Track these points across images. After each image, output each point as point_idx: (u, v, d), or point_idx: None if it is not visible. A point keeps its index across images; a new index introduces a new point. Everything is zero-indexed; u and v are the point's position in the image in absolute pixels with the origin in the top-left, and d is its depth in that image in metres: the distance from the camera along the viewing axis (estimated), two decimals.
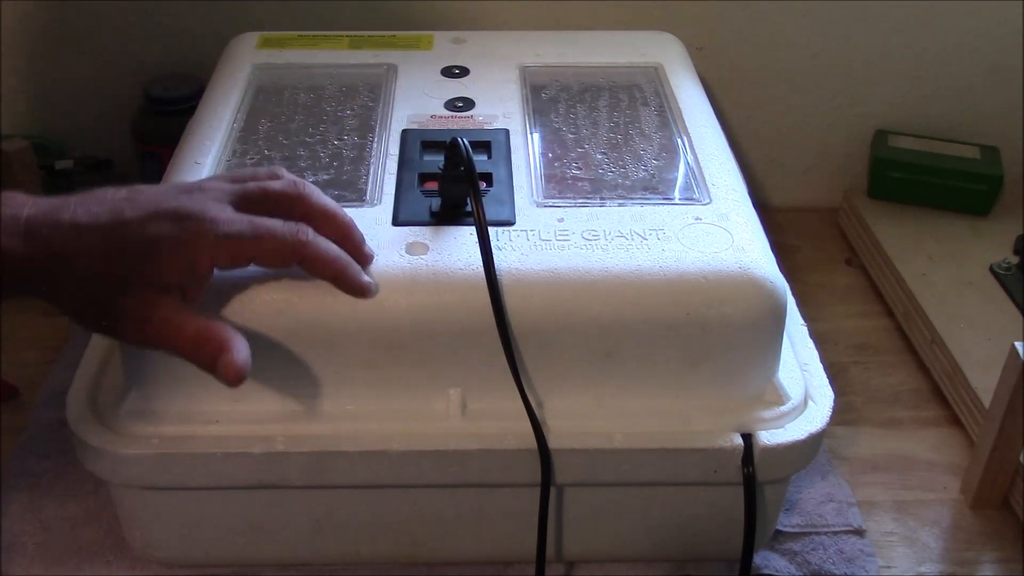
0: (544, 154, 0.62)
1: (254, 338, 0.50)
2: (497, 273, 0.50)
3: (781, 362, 0.55)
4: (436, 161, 0.56)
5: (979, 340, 0.71)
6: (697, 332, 0.51)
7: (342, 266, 0.49)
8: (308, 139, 0.64)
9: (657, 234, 0.54)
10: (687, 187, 0.59)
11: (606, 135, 0.65)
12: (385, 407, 0.53)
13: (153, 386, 0.52)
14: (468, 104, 0.67)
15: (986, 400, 0.64)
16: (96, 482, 0.54)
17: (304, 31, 0.77)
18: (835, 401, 0.55)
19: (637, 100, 0.69)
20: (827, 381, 0.57)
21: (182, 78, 0.83)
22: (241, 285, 0.50)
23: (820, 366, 0.58)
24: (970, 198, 0.87)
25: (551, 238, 0.54)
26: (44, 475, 0.63)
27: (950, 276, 0.79)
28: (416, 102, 0.67)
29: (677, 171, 0.62)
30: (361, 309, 0.50)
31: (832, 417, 0.54)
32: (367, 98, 0.68)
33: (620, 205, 0.57)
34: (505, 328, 0.50)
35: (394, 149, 0.61)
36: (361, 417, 0.53)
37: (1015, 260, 0.79)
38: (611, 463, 0.52)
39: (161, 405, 0.52)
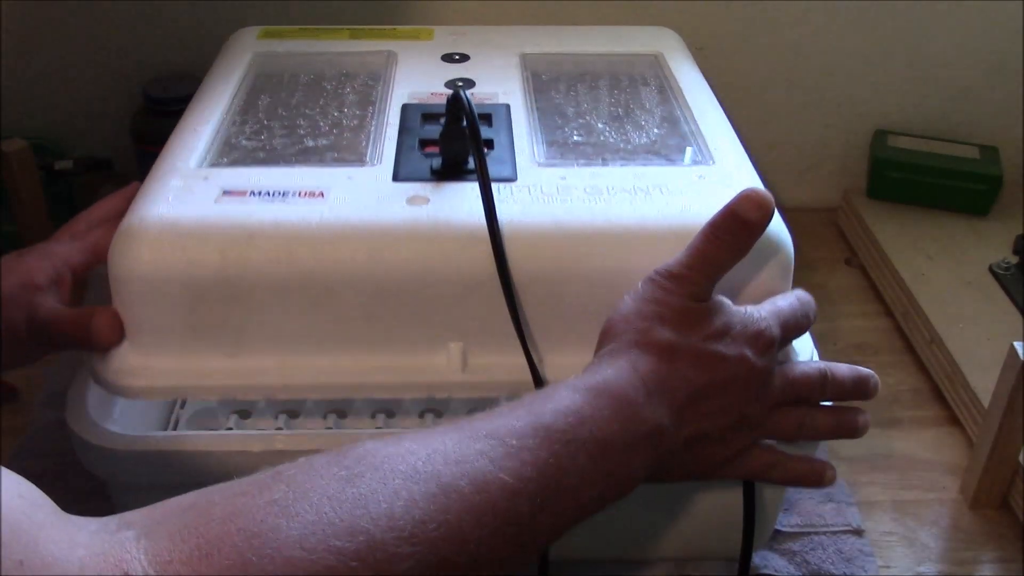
0: (545, 124, 0.62)
1: (251, 289, 0.50)
2: (499, 223, 0.49)
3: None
4: (437, 129, 0.56)
5: (978, 340, 0.71)
6: None
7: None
8: (308, 111, 0.63)
9: (661, 189, 0.54)
10: (690, 151, 0.59)
11: (607, 109, 0.65)
12: (385, 362, 0.52)
13: (147, 340, 0.52)
14: (468, 83, 0.67)
15: (985, 400, 0.64)
16: (96, 482, 0.54)
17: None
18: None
19: (637, 81, 0.69)
20: None
21: (182, 78, 0.83)
22: (238, 234, 0.50)
23: None
24: (969, 198, 0.87)
25: (553, 192, 0.53)
26: (44, 475, 0.63)
27: (949, 276, 0.79)
28: (416, 82, 0.67)
29: (679, 137, 0.61)
30: (361, 260, 0.50)
31: None
32: (367, 79, 0.68)
33: (623, 165, 0.57)
34: (507, 276, 0.49)
35: (394, 120, 0.61)
36: (360, 371, 0.52)
37: (1014, 260, 0.79)
38: None
39: (155, 360, 0.52)
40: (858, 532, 0.61)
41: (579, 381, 0.44)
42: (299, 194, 0.53)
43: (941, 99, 0.92)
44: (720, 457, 0.47)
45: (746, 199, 0.47)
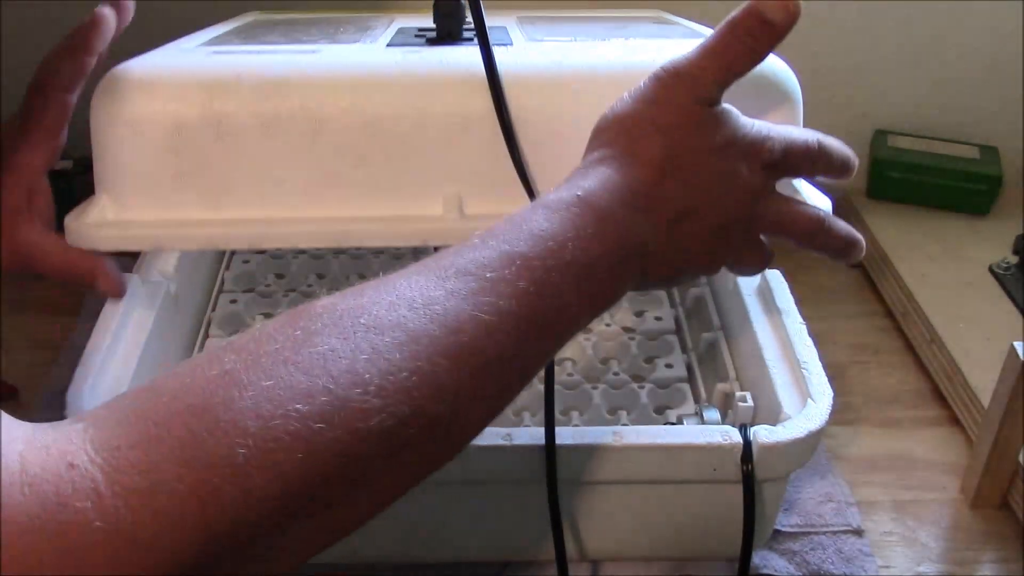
0: (539, 31, 0.63)
1: (238, 130, 0.49)
2: (496, 63, 0.48)
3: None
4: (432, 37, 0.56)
5: (978, 340, 0.71)
6: None
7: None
8: (302, 33, 0.64)
9: (659, 46, 0.53)
10: (690, 37, 0.60)
11: (602, 33, 0.65)
12: (377, 211, 0.51)
13: (127, 191, 0.51)
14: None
15: (985, 400, 0.64)
16: None
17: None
18: (834, 399, 0.55)
19: (637, 20, 0.70)
20: (826, 380, 0.57)
21: None
22: (226, 75, 0.49)
23: (819, 365, 0.58)
24: (970, 198, 0.87)
25: (549, 50, 0.53)
26: None
27: (950, 276, 0.79)
28: (412, 22, 0.68)
29: (678, 34, 0.62)
30: (351, 100, 0.49)
31: (831, 415, 0.54)
32: (364, 24, 0.69)
33: (621, 40, 0.57)
34: (504, 114, 0.48)
35: (390, 32, 0.62)
36: (350, 220, 0.51)
37: (1014, 260, 0.79)
38: (610, 461, 0.52)
39: (134, 213, 0.51)
40: (858, 532, 0.61)
41: (559, 196, 0.41)
42: (290, 51, 0.52)
43: (941, 99, 0.92)
44: (702, 270, 0.46)
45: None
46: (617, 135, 0.43)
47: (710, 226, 0.43)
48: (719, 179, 0.43)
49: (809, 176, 0.48)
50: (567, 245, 0.38)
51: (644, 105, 0.43)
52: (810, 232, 0.46)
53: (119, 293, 0.57)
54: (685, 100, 0.43)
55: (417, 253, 0.76)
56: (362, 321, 0.34)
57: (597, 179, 0.41)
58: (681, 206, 0.42)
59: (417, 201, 0.50)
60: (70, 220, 0.52)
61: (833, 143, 0.47)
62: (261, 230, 0.50)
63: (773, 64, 0.50)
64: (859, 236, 0.48)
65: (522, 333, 0.36)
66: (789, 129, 0.46)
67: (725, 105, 0.44)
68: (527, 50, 0.53)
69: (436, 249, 0.62)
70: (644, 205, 0.41)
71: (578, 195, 0.40)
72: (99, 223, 0.51)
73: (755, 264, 0.47)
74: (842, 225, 0.47)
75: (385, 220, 0.50)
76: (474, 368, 0.35)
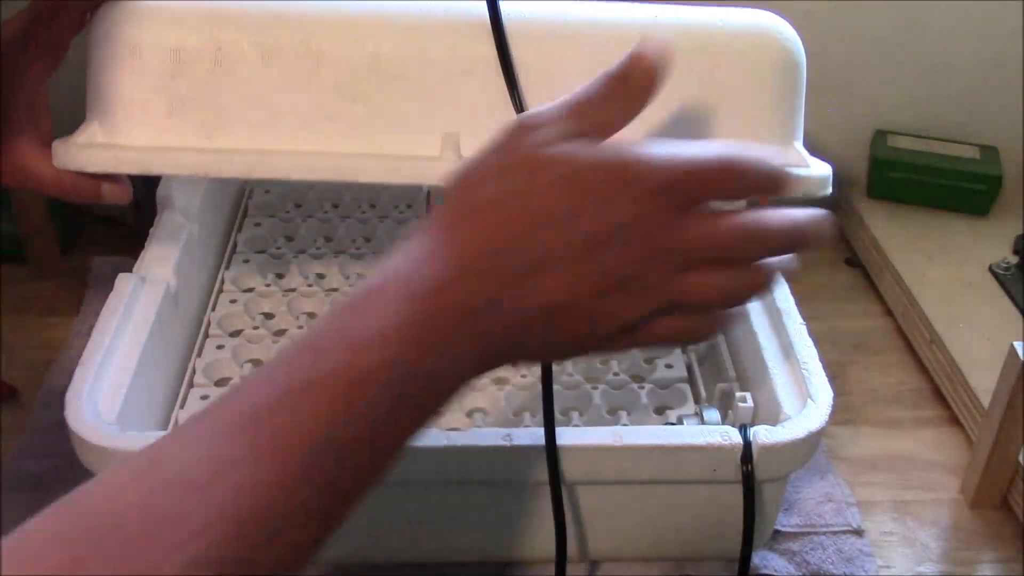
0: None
1: (236, 59, 0.48)
2: (500, 12, 0.48)
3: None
4: None
5: (978, 340, 0.71)
6: (708, 71, 0.49)
7: None
8: None
9: (661, 8, 0.52)
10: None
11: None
12: (372, 150, 0.50)
13: (120, 116, 0.50)
14: None
15: (985, 400, 0.64)
16: None
17: None
18: (834, 400, 0.55)
19: None
20: (826, 380, 0.57)
21: None
22: (227, 3, 0.49)
23: (819, 365, 0.58)
24: (969, 198, 0.87)
25: (554, 3, 0.52)
26: (44, 475, 0.63)
27: (949, 276, 0.79)
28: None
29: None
30: (352, 34, 0.48)
31: (831, 415, 0.54)
32: None
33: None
34: (506, 56, 0.47)
35: None
36: (345, 156, 0.50)
37: (1014, 260, 0.79)
38: (611, 461, 0.52)
39: (125, 139, 0.51)
40: (858, 532, 0.61)
41: (362, 287, 0.35)
42: None
43: (941, 99, 0.92)
44: (602, 330, 0.37)
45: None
46: (449, 195, 0.38)
47: (582, 274, 0.36)
48: (572, 221, 0.36)
49: (731, 199, 0.38)
50: (369, 349, 0.33)
51: (490, 153, 0.39)
52: (743, 246, 0.37)
53: (126, 198, 0.54)
54: (526, 146, 0.37)
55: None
56: (106, 521, 0.29)
57: (404, 254, 0.36)
58: (527, 255, 0.36)
59: (414, 140, 0.50)
60: (57, 144, 0.52)
61: (748, 161, 0.37)
62: (253, 160, 0.49)
63: (776, 24, 0.49)
64: (809, 214, 0.38)
65: (326, 479, 0.32)
66: (698, 147, 0.37)
67: (592, 141, 0.38)
68: (532, 2, 0.52)
69: (430, 194, 0.61)
70: (474, 264, 0.35)
71: (377, 280, 0.35)
72: (88, 144, 0.50)
73: (698, 324, 0.38)
74: (779, 218, 0.37)
75: (381, 157, 0.50)
76: (245, 554, 0.31)
